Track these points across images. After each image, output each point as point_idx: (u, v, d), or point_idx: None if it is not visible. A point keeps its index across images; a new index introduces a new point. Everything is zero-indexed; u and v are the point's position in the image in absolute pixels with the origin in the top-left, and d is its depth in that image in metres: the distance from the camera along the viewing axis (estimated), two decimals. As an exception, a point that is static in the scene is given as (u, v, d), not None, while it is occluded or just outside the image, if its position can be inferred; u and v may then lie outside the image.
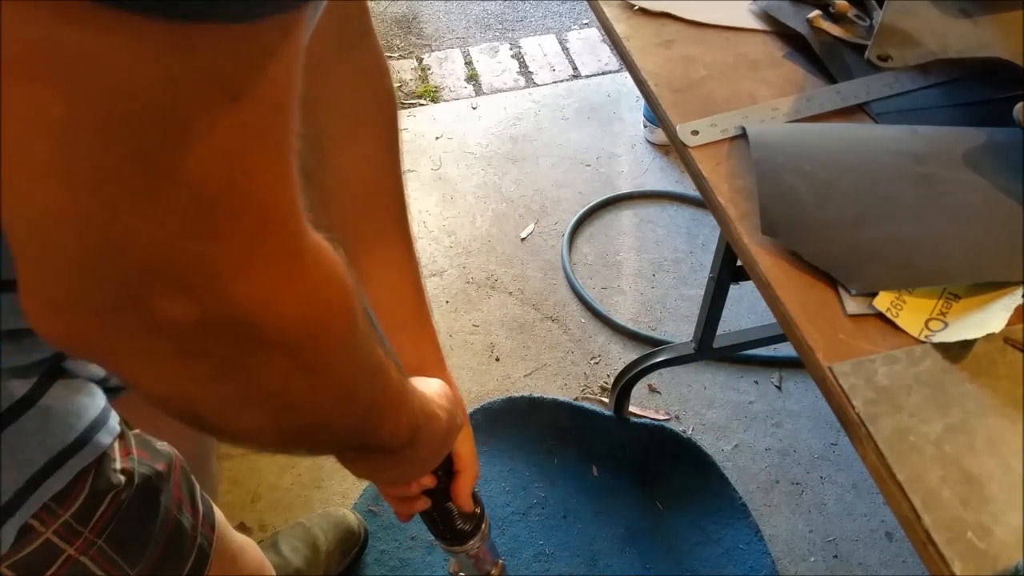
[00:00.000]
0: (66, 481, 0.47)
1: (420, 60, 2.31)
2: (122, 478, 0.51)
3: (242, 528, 1.14)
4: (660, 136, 1.94)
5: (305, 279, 0.29)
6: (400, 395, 0.44)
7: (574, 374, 1.51)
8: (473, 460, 0.64)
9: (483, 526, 0.69)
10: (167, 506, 0.55)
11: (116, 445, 0.52)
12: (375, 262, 0.58)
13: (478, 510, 0.68)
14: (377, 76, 0.57)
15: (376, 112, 0.57)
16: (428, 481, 0.60)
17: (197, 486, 0.61)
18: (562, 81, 2.20)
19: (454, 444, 0.60)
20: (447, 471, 0.62)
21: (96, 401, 0.51)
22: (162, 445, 0.58)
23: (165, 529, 0.55)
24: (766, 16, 0.82)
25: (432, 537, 0.68)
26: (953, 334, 0.52)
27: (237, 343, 0.28)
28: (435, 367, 0.62)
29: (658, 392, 1.47)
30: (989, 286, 0.55)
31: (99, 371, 0.52)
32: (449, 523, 0.65)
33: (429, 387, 0.52)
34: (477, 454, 0.65)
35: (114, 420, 0.52)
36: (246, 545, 0.71)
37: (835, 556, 1.24)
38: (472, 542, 0.68)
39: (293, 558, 1.17)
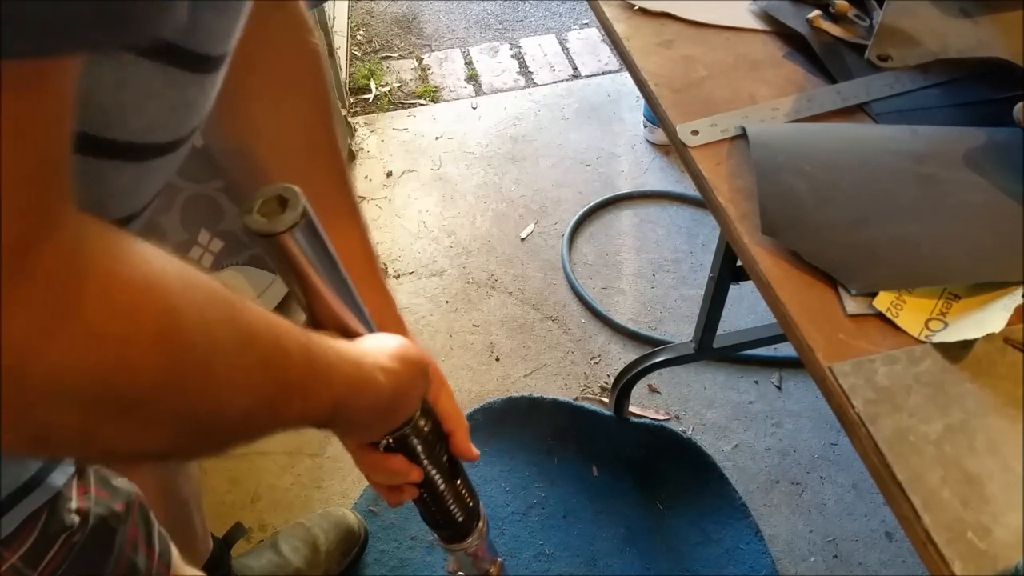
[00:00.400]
0: (16, 524, 0.45)
1: (420, 60, 2.31)
2: (76, 519, 0.49)
3: (239, 528, 1.14)
4: (660, 136, 1.94)
5: (82, 317, 0.25)
6: (308, 376, 0.39)
7: (574, 374, 1.51)
8: (459, 416, 0.62)
9: (481, 524, 0.68)
10: (122, 546, 0.53)
11: (73, 483, 0.50)
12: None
13: (474, 506, 0.67)
14: (302, 34, 0.55)
15: (305, 72, 0.55)
16: (415, 475, 0.58)
17: (155, 524, 0.60)
18: (562, 81, 2.20)
19: (439, 405, 0.60)
20: (438, 434, 0.60)
21: None
22: (121, 482, 0.56)
23: (119, 570, 0.53)
24: (766, 16, 0.82)
25: (431, 537, 0.67)
26: (953, 334, 0.52)
27: (19, 394, 0.25)
28: (394, 324, 0.60)
29: (658, 392, 1.47)
30: (989, 286, 0.55)
31: None
32: (447, 515, 0.65)
33: (373, 348, 0.46)
34: (463, 414, 0.63)
35: (68, 459, 0.50)
36: None
37: (835, 556, 1.24)
38: (470, 539, 0.68)
39: (293, 558, 1.17)
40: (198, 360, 0.30)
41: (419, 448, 0.58)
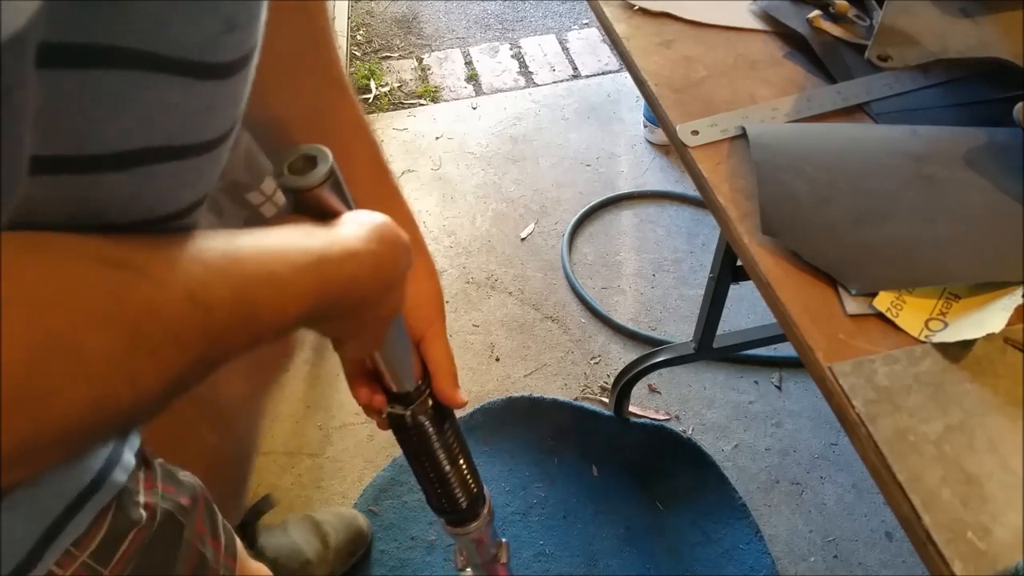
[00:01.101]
0: (85, 526, 0.46)
1: (420, 60, 2.31)
2: (143, 513, 0.50)
3: (268, 500, 1.16)
4: (660, 136, 1.94)
5: None
6: (242, 316, 0.35)
7: (574, 374, 1.51)
8: (446, 358, 0.60)
9: (485, 510, 0.69)
10: (189, 540, 0.54)
11: (141, 477, 0.51)
12: (290, 84, 0.54)
13: (479, 492, 0.68)
14: (313, 11, 0.55)
15: (314, 48, 0.55)
16: (377, 401, 0.57)
17: (219, 516, 0.60)
18: (562, 81, 2.20)
19: (427, 340, 0.58)
20: (444, 414, 0.61)
21: None
22: (186, 476, 0.57)
23: (188, 564, 0.53)
24: (766, 16, 0.82)
25: (431, 536, 0.68)
26: (953, 334, 0.52)
27: None
28: (417, 245, 0.58)
29: (658, 392, 1.47)
30: (989, 286, 0.55)
31: None
32: (451, 498, 0.65)
33: (344, 235, 0.42)
34: (453, 356, 0.61)
35: (129, 455, 0.50)
36: (261, 572, 0.70)
37: (835, 556, 1.24)
38: (475, 524, 0.68)
39: (305, 548, 1.18)
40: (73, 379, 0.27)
41: (427, 426, 0.59)
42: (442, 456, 0.62)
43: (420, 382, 0.58)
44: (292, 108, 0.55)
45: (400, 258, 0.44)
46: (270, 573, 0.72)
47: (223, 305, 0.32)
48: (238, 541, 0.64)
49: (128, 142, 0.33)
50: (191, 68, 0.32)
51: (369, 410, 0.59)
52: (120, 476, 0.48)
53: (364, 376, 0.57)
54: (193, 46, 0.32)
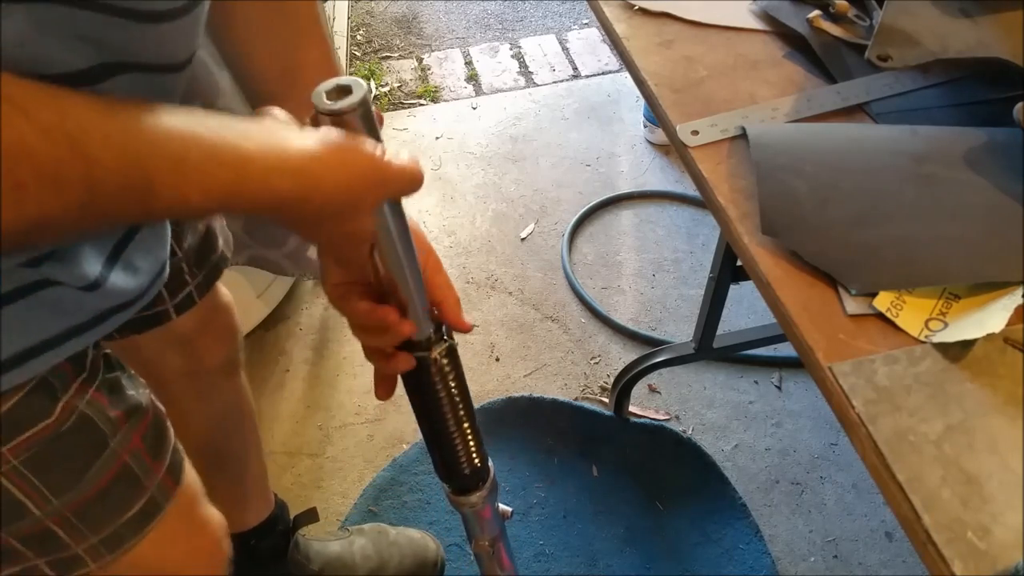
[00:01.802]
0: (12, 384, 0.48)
1: (420, 60, 2.31)
2: (57, 411, 0.52)
3: (312, 513, 1.16)
4: (660, 136, 1.94)
5: None
6: (170, 170, 0.36)
7: (574, 374, 1.51)
8: (447, 286, 0.63)
9: (488, 483, 0.71)
10: (117, 450, 0.56)
11: (76, 381, 0.53)
12: (268, 32, 0.57)
13: (482, 465, 0.69)
14: None
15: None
16: (407, 329, 0.55)
17: (172, 441, 0.62)
18: (562, 81, 2.20)
19: (425, 274, 0.59)
20: (456, 372, 0.63)
21: (59, 323, 0.50)
22: (135, 393, 0.59)
23: (109, 471, 0.56)
24: (766, 16, 0.82)
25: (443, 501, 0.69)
26: (953, 334, 0.52)
27: None
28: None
29: (658, 392, 1.47)
30: (989, 286, 0.55)
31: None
32: (453, 461, 0.66)
33: (296, 146, 0.42)
34: (452, 284, 0.63)
35: (66, 352, 0.51)
36: (214, 522, 0.71)
37: (835, 556, 1.24)
38: (476, 495, 0.70)
39: (360, 564, 1.17)
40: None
41: (434, 379, 0.61)
42: (450, 415, 0.64)
43: (434, 329, 0.60)
44: (268, 62, 0.58)
45: (364, 178, 0.44)
46: (224, 527, 0.73)
47: (110, 164, 0.34)
48: (192, 474, 0.66)
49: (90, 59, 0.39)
50: (130, 14, 0.38)
51: (371, 344, 0.58)
52: (40, 366, 0.50)
53: (364, 293, 0.56)
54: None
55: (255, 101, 0.59)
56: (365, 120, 0.44)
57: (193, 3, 0.42)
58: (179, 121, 0.37)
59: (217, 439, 0.96)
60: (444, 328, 0.61)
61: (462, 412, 0.65)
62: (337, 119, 0.43)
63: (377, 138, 0.45)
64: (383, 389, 0.61)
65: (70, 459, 0.54)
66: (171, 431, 0.63)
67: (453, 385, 0.63)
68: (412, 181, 0.47)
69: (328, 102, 0.43)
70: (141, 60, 0.42)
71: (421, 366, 0.60)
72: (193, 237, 0.78)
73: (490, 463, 0.71)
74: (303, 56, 0.59)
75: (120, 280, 0.55)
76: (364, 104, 0.43)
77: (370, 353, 0.59)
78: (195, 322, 0.82)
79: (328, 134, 0.43)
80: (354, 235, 0.48)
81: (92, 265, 0.51)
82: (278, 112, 0.45)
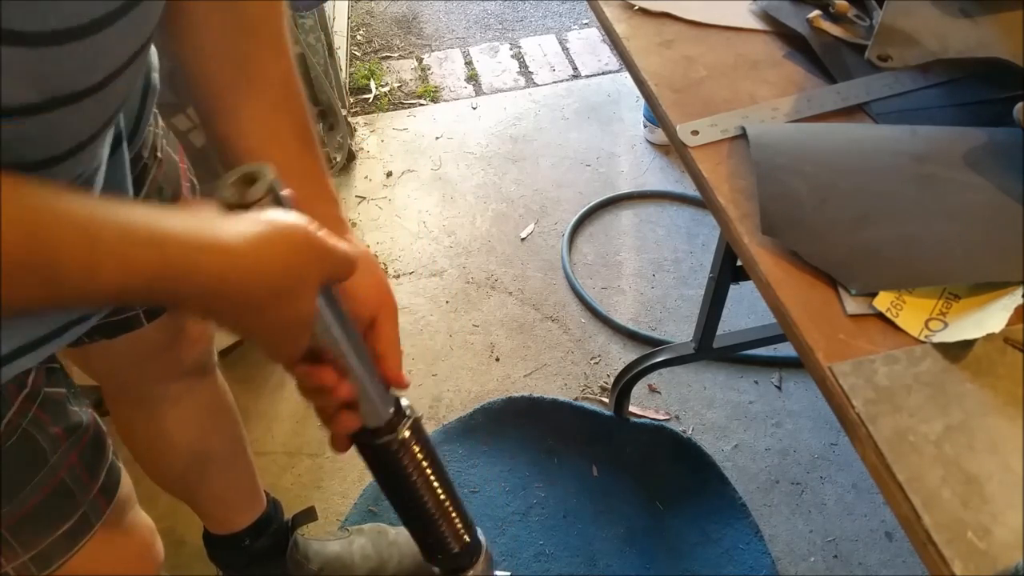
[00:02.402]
0: None
1: (420, 60, 2.31)
2: (0, 428, 0.52)
3: (310, 512, 1.16)
4: (660, 136, 1.94)
5: None
6: (81, 250, 0.35)
7: (574, 374, 1.51)
8: (393, 341, 0.56)
9: (480, 561, 0.66)
10: (55, 467, 0.57)
11: (19, 398, 0.53)
12: (246, 102, 0.55)
13: (473, 542, 0.65)
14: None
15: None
16: (343, 391, 0.51)
17: (110, 460, 0.63)
18: (562, 81, 2.20)
19: (377, 324, 0.55)
20: (426, 449, 0.58)
21: (11, 340, 0.49)
22: (78, 412, 0.59)
23: (46, 485, 0.56)
24: (766, 16, 0.82)
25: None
26: (953, 334, 0.52)
27: None
28: (337, 225, 0.56)
29: (658, 392, 1.47)
30: (989, 286, 0.55)
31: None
32: (438, 541, 0.63)
33: (223, 232, 0.39)
34: (399, 342, 0.57)
35: (9, 373, 0.50)
36: (143, 527, 0.72)
37: (835, 556, 1.24)
38: (472, 572, 0.66)
39: (360, 563, 1.16)
40: None
41: (403, 461, 0.56)
42: (428, 495, 0.60)
43: (393, 411, 0.55)
44: (223, 63, 0.54)
45: (302, 253, 0.41)
46: (151, 528, 0.73)
47: (14, 240, 0.33)
48: (127, 489, 0.66)
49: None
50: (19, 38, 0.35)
51: (316, 404, 0.54)
52: None
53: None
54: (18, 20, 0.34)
55: (206, 112, 0.56)
56: (279, 204, 0.43)
57: (99, 24, 0.39)
58: (93, 204, 0.35)
59: (198, 440, 0.95)
60: (404, 405, 0.57)
61: (439, 487, 0.61)
62: (246, 211, 0.41)
63: None
64: (339, 445, 0.58)
65: (9, 475, 0.54)
66: (110, 449, 0.63)
67: (426, 463, 0.59)
68: (347, 262, 0.44)
69: (233, 194, 0.41)
70: (78, 87, 0.40)
71: (388, 451, 0.56)
72: None
73: (480, 534, 0.68)
74: (258, 64, 0.55)
75: None
76: (272, 191, 0.41)
77: (317, 411, 0.56)
78: (166, 327, 0.80)
79: (259, 213, 0.41)
80: (297, 321, 0.44)
81: None
82: (210, 204, 0.43)
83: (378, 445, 0.55)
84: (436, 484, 0.60)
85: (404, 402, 0.57)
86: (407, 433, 0.56)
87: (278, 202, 0.42)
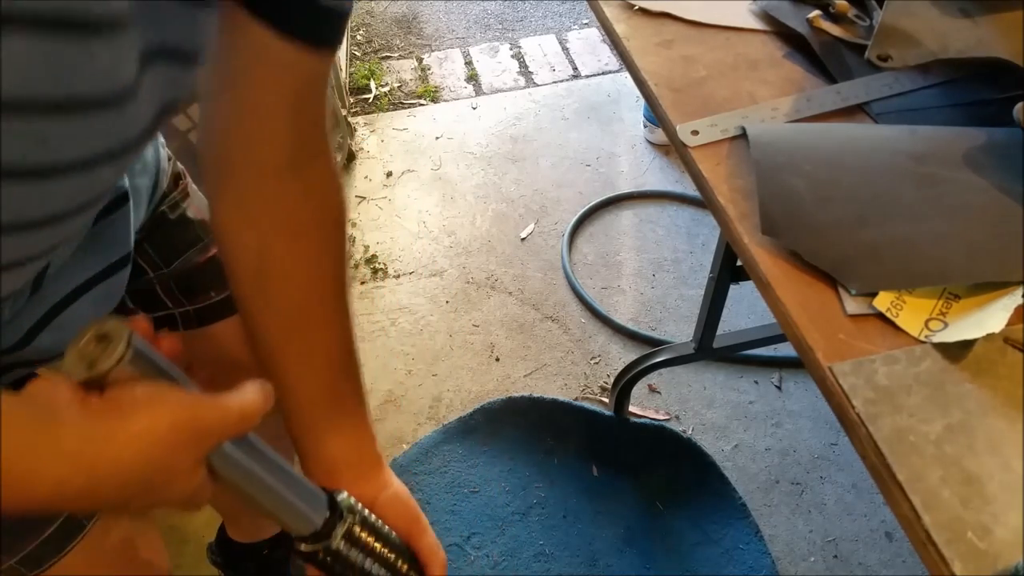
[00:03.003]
0: None
1: (420, 60, 2.31)
2: None
3: None
4: (660, 136, 1.94)
5: None
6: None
7: (574, 374, 1.51)
8: (435, 550, 0.58)
9: None
10: None
11: None
12: (302, 357, 0.57)
13: None
14: (326, 195, 0.58)
15: (319, 228, 0.57)
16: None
17: None
18: (562, 81, 2.20)
19: (417, 539, 0.56)
20: (389, 544, 0.54)
21: None
22: None
23: None
24: (766, 16, 0.82)
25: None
26: (953, 334, 0.52)
27: None
28: (371, 461, 0.59)
29: (658, 392, 1.47)
30: (989, 286, 0.55)
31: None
32: None
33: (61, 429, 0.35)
34: (439, 546, 0.58)
35: None
36: (140, 526, 0.70)
37: (835, 556, 1.24)
38: None
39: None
40: None
41: (348, 568, 0.50)
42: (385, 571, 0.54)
43: (331, 512, 0.49)
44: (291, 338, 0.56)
45: (165, 442, 0.36)
46: (152, 530, 0.71)
47: None
48: None
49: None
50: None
51: None
52: None
53: None
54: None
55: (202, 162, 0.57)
56: (142, 364, 0.36)
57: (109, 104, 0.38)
58: None
59: None
60: (344, 499, 0.51)
61: (396, 565, 0.54)
62: (101, 381, 0.35)
63: (170, 376, 0.38)
64: None
65: None
66: None
67: (375, 562, 0.52)
68: (242, 420, 0.40)
69: (78, 366, 0.35)
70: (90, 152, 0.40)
71: (323, 562, 0.49)
72: (181, 264, 0.74)
73: None
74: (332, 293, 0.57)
75: (46, 341, 0.54)
76: (130, 348, 0.35)
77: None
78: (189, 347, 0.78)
79: (111, 402, 0.35)
80: (184, 497, 0.40)
81: (13, 333, 0.50)
82: (54, 387, 0.36)
83: (314, 552, 0.49)
84: (391, 565, 0.55)
85: (342, 496, 0.52)
86: (346, 534, 0.50)
87: (143, 357, 0.36)
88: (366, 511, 0.53)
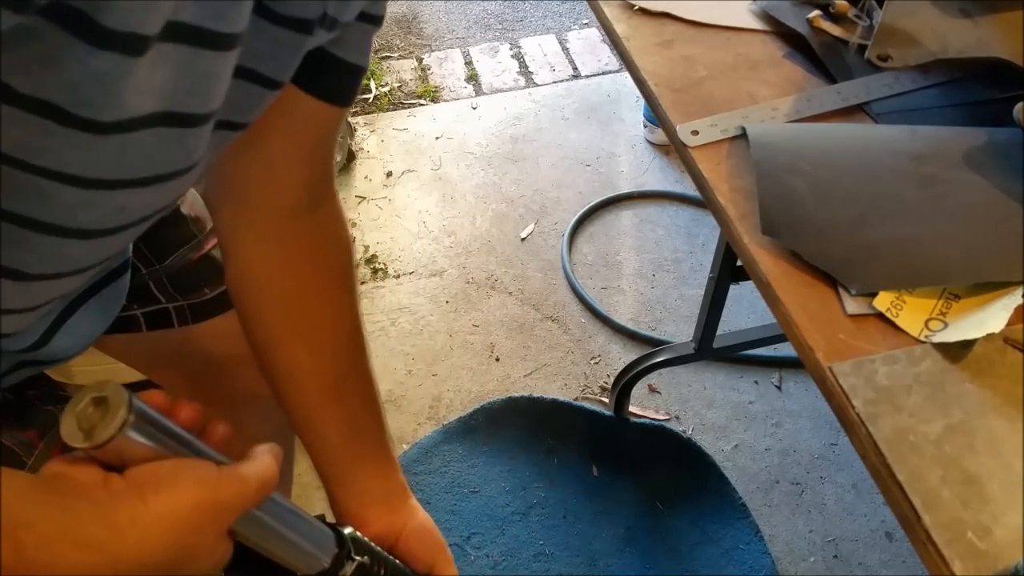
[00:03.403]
0: None
1: (420, 60, 2.31)
2: None
3: None
4: (660, 136, 1.94)
5: None
6: None
7: (574, 374, 1.51)
8: None
9: None
10: (34, 467, 0.56)
11: None
12: (329, 405, 0.59)
13: None
14: (333, 236, 0.61)
15: (331, 265, 0.60)
16: None
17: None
18: (562, 81, 2.20)
19: (440, 571, 0.58)
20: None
21: None
22: (54, 408, 0.59)
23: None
24: (766, 16, 0.82)
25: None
26: (953, 334, 0.52)
27: None
28: (398, 492, 0.61)
29: (658, 392, 1.47)
30: (989, 286, 0.55)
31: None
32: None
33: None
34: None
35: None
36: None
37: (835, 556, 1.24)
38: None
39: None
40: None
41: None
42: None
43: (339, 549, 0.49)
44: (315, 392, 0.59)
45: (193, 535, 0.36)
46: None
47: None
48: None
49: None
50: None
51: None
52: None
53: None
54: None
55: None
56: (149, 430, 0.35)
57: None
58: None
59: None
60: (350, 533, 0.51)
61: None
62: (109, 450, 0.34)
63: (182, 439, 0.37)
64: None
65: None
66: None
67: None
68: (261, 489, 0.39)
69: (75, 435, 0.33)
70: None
71: None
72: (175, 260, 0.74)
73: None
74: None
75: (60, 343, 0.55)
76: (131, 414, 0.34)
77: None
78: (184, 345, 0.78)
79: (133, 482, 0.35)
80: (211, 567, 0.40)
81: (30, 335, 0.52)
82: (78, 469, 0.35)
83: None
84: None
85: (348, 530, 0.51)
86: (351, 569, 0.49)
87: (145, 422, 0.35)
88: (371, 544, 0.53)
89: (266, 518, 0.42)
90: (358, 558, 0.50)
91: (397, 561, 0.55)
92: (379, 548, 0.53)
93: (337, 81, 0.53)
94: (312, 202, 0.58)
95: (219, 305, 0.77)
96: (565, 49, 2.32)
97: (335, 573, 0.48)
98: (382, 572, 0.52)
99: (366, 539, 0.52)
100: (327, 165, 0.59)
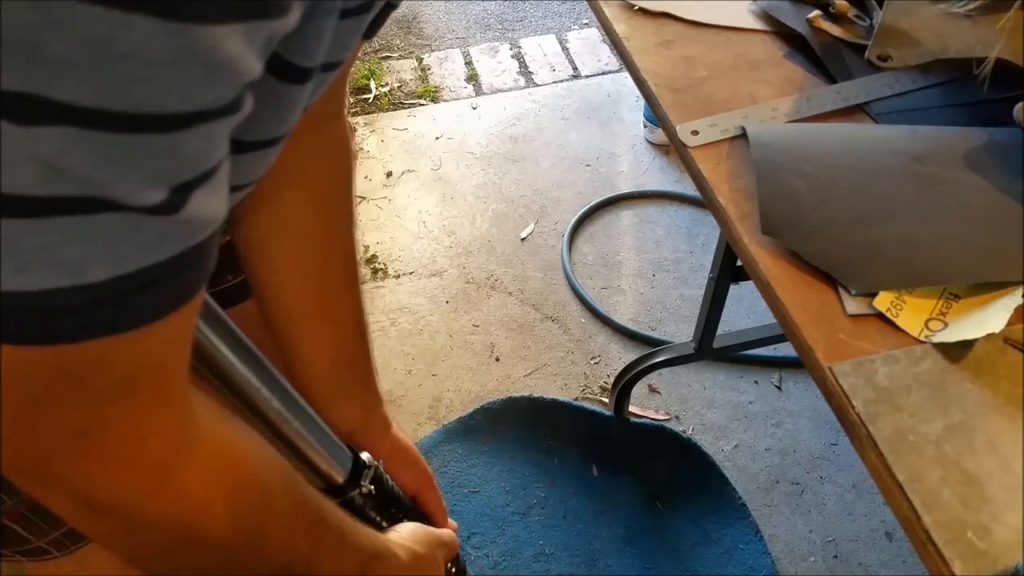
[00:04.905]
0: None
1: (420, 60, 2.31)
2: None
3: None
4: (660, 136, 1.94)
5: (183, 479, 0.33)
6: (340, 545, 0.45)
7: (574, 374, 1.51)
8: (441, 505, 0.67)
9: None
10: None
11: None
12: (317, 326, 0.60)
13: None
14: (339, 155, 0.61)
15: (334, 183, 0.60)
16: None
17: None
18: (562, 81, 2.20)
19: (424, 493, 0.65)
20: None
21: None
22: None
23: None
24: (766, 16, 0.82)
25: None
26: (953, 334, 0.52)
27: (120, 524, 0.33)
28: (379, 423, 0.65)
29: (658, 392, 1.47)
30: (989, 286, 0.55)
31: None
32: None
33: (399, 529, 0.55)
34: (440, 497, 0.68)
35: None
36: None
37: (835, 556, 1.24)
38: None
39: None
40: (256, 519, 0.38)
41: (369, 512, 0.57)
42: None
43: (349, 473, 0.55)
44: (304, 310, 0.60)
45: (432, 557, 0.55)
46: None
47: (334, 525, 0.45)
48: None
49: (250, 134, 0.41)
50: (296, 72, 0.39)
51: None
52: None
53: None
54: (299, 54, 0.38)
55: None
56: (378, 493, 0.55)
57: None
58: (338, 509, 0.45)
59: None
60: (365, 461, 0.57)
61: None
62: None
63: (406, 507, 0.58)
64: None
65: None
66: None
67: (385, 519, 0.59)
68: (454, 543, 0.60)
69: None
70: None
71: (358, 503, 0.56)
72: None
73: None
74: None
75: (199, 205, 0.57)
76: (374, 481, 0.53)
77: None
78: None
79: (412, 532, 0.54)
80: None
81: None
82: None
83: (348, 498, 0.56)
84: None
85: (364, 456, 0.58)
86: (364, 492, 0.56)
87: (380, 489, 0.53)
88: (382, 472, 0.60)
89: (298, 413, 0.50)
90: (367, 485, 0.57)
91: (397, 490, 0.62)
92: (387, 477, 0.60)
93: (380, 16, 0.54)
94: (322, 117, 0.58)
95: (240, 292, 0.78)
96: (565, 49, 2.32)
97: (350, 490, 0.55)
98: (389, 504, 0.60)
99: (380, 467, 0.59)
100: (341, 89, 0.59)
